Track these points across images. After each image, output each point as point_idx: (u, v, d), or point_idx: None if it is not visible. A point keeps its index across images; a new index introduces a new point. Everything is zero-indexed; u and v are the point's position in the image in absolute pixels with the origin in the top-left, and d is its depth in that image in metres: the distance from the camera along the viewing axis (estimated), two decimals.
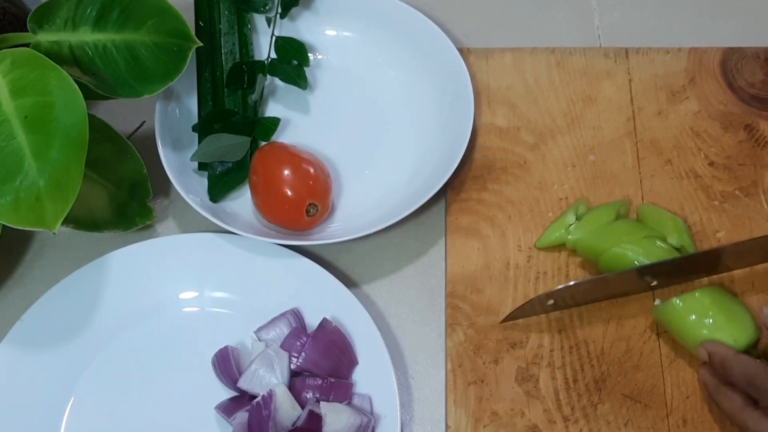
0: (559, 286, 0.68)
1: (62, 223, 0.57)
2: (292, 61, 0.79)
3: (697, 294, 0.66)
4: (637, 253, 0.68)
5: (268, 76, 0.80)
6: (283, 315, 0.69)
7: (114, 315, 0.71)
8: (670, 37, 0.85)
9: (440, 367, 0.70)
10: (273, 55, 0.80)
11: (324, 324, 0.68)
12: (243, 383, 0.65)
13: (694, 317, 0.66)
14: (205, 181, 0.76)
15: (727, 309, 0.66)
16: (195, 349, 0.69)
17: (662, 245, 0.69)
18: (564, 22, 0.87)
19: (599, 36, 0.86)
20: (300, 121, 0.81)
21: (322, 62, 0.84)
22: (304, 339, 0.67)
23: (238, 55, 0.80)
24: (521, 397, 0.68)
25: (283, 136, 0.80)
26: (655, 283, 0.69)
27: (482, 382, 0.69)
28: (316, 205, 0.72)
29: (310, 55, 0.83)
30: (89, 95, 0.62)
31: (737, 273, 0.71)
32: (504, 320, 0.70)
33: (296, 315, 0.69)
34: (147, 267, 0.72)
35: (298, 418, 0.64)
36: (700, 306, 0.66)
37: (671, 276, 0.70)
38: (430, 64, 0.80)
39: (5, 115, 0.59)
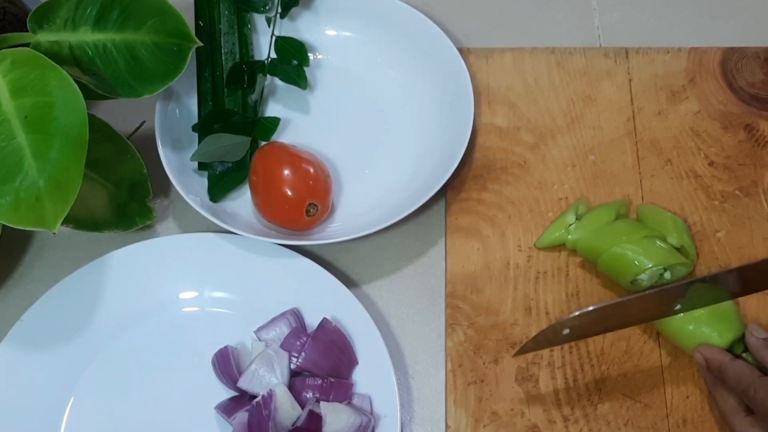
0: (576, 313, 0.62)
1: (62, 223, 0.57)
2: (292, 61, 0.79)
3: None
4: (637, 252, 0.68)
5: (268, 76, 0.80)
6: (283, 315, 0.69)
7: (114, 315, 0.71)
8: (670, 37, 0.85)
9: (440, 367, 0.70)
10: (273, 55, 0.80)
11: (324, 324, 0.68)
12: (243, 383, 0.65)
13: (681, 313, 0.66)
14: (205, 181, 0.76)
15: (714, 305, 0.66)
16: (195, 349, 0.69)
17: (662, 245, 0.69)
18: (564, 22, 0.87)
19: (599, 36, 0.86)
20: (300, 121, 0.81)
21: (322, 62, 0.84)
22: (304, 339, 0.67)
23: (238, 55, 0.80)
24: (521, 397, 0.68)
25: (283, 136, 0.80)
26: (678, 306, 0.66)
27: (482, 382, 0.69)
28: (316, 205, 0.72)
29: (310, 55, 0.83)
30: (89, 95, 0.62)
31: None
32: (517, 354, 0.66)
33: (296, 315, 0.69)
34: (147, 267, 0.72)
35: (298, 418, 0.64)
36: None
37: (700, 299, 0.66)
38: (430, 64, 0.80)
39: (5, 115, 0.59)
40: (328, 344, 0.67)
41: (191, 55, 0.68)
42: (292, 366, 0.66)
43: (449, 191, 0.77)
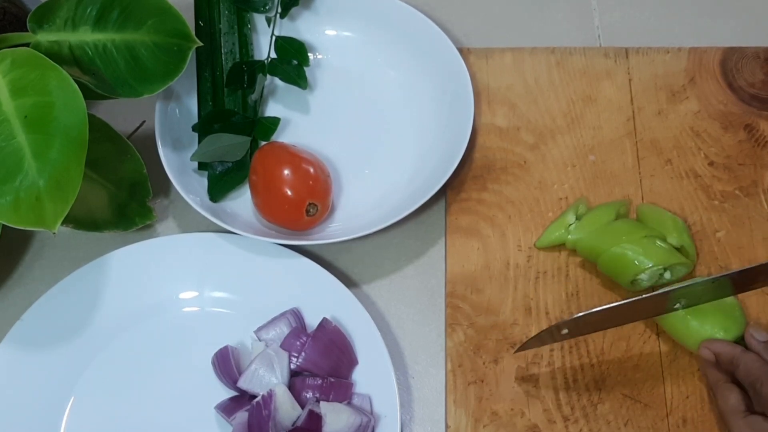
0: (576, 315, 0.63)
1: (62, 223, 0.57)
2: (292, 61, 0.79)
3: None
4: (637, 252, 0.68)
5: (268, 76, 0.80)
6: (283, 315, 0.69)
7: (114, 315, 0.71)
8: (670, 37, 0.85)
9: (440, 367, 0.70)
10: (273, 55, 0.80)
11: (324, 324, 0.68)
12: (243, 383, 0.65)
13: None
14: (205, 181, 0.76)
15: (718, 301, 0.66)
16: (195, 349, 0.69)
17: (662, 245, 0.69)
18: (564, 22, 0.87)
19: (599, 36, 0.86)
20: (300, 121, 0.81)
21: (322, 62, 0.84)
22: (304, 339, 0.67)
23: (238, 55, 0.80)
24: (521, 397, 0.68)
25: (283, 136, 0.80)
26: (678, 305, 0.66)
27: (482, 382, 0.69)
28: (316, 205, 0.72)
29: (310, 55, 0.83)
30: (89, 95, 0.62)
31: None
32: (518, 350, 0.67)
33: (296, 315, 0.69)
34: (147, 267, 0.72)
35: (298, 417, 0.64)
36: None
37: (700, 298, 0.66)
38: (430, 64, 0.80)
39: (5, 115, 0.59)
40: (328, 344, 0.67)
41: (191, 55, 0.68)
42: (292, 366, 0.66)
43: (449, 191, 0.77)
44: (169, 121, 0.76)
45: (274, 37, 0.80)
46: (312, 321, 0.69)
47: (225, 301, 0.72)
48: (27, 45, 0.66)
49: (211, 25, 0.79)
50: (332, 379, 0.66)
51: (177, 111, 0.78)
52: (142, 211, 0.73)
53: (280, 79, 0.80)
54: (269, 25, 0.80)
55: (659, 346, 0.69)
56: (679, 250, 0.70)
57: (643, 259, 0.68)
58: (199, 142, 0.76)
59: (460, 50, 0.79)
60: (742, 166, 0.77)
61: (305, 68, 0.79)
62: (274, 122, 0.79)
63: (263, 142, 0.78)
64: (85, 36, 0.67)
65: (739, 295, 0.70)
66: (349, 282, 0.73)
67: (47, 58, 0.61)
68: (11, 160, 0.58)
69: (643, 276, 0.69)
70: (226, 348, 0.68)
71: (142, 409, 0.68)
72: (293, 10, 0.81)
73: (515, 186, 0.77)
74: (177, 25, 0.68)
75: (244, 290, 0.72)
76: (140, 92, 0.68)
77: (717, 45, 0.84)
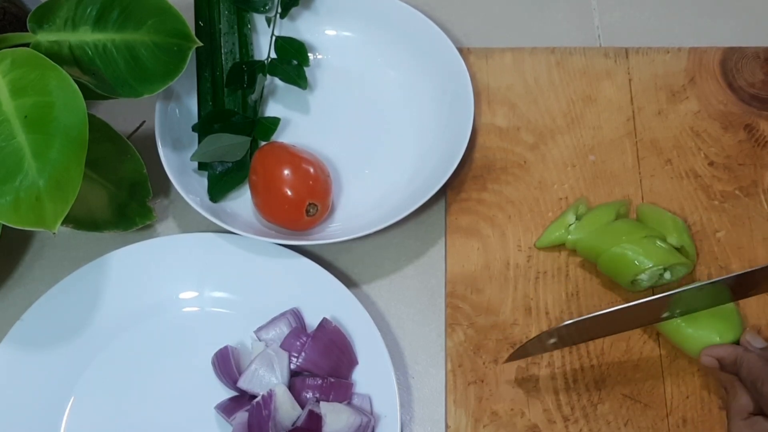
0: (566, 322, 0.63)
1: (62, 223, 0.57)
2: (292, 61, 0.79)
3: None
4: (637, 252, 0.68)
5: (268, 76, 0.80)
6: (283, 315, 0.69)
7: (114, 315, 0.71)
8: (670, 37, 0.85)
9: (440, 367, 0.70)
10: (273, 55, 0.80)
11: (324, 324, 0.68)
12: (243, 383, 0.65)
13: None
14: (205, 181, 0.76)
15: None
16: (195, 349, 0.69)
17: (662, 245, 0.69)
18: (564, 22, 0.87)
19: (599, 36, 0.86)
20: (300, 121, 0.81)
21: (322, 62, 0.84)
22: (304, 339, 0.67)
23: (238, 55, 0.80)
24: (521, 397, 0.68)
25: (283, 136, 0.80)
26: (667, 314, 0.65)
27: (482, 382, 0.69)
28: (316, 205, 0.72)
29: (310, 55, 0.83)
30: (89, 95, 0.62)
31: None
32: (507, 360, 0.67)
33: (296, 315, 0.69)
34: (147, 267, 0.72)
35: (298, 418, 0.64)
36: None
37: (695, 305, 0.65)
38: (430, 64, 0.80)
39: (5, 115, 0.59)
40: (328, 344, 0.67)
41: (191, 55, 0.68)
42: (292, 366, 0.66)
43: (449, 191, 0.77)
44: (169, 121, 0.76)
45: (274, 37, 0.80)
46: (312, 321, 0.69)
47: (225, 301, 0.72)
48: (27, 45, 0.66)
49: (211, 25, 0.79)
50: (332, 379, 0.66)
51: (177, 111, 0.78)
52: (142, 211, 0.73)
53: (280, 79, 0.80)
54: (269, 25, 0.80)
55: (659, 346, 0.69)
56: (679, 250, 0.70)
57: (643, 259, 0.68)
58: (199, 142, 0.76)
59: (460, 50, 0.79)
60: (742, 166, 0.77)
61: (305, 68, 0.79)
62: (274, 122, 0.79)
63: (263, 142, 0.78)
64: (85, 36, 0.67)
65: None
66: (349, 282, 0.73)
67: (47, 58, 0.61)
68: (11, 160, 0.58)
69: (643, 276, 0.69)
70: (226, 348, 0.68)
71: (142, 409, 0.68)
72: (293, 10, 0.81)
73: (515, 186, 0.77)
74: (177, 25, 0.68)
75: (244, 290, 0.72)
76: (140, 92, 0.68)
77: (717, 45, 0.84)
